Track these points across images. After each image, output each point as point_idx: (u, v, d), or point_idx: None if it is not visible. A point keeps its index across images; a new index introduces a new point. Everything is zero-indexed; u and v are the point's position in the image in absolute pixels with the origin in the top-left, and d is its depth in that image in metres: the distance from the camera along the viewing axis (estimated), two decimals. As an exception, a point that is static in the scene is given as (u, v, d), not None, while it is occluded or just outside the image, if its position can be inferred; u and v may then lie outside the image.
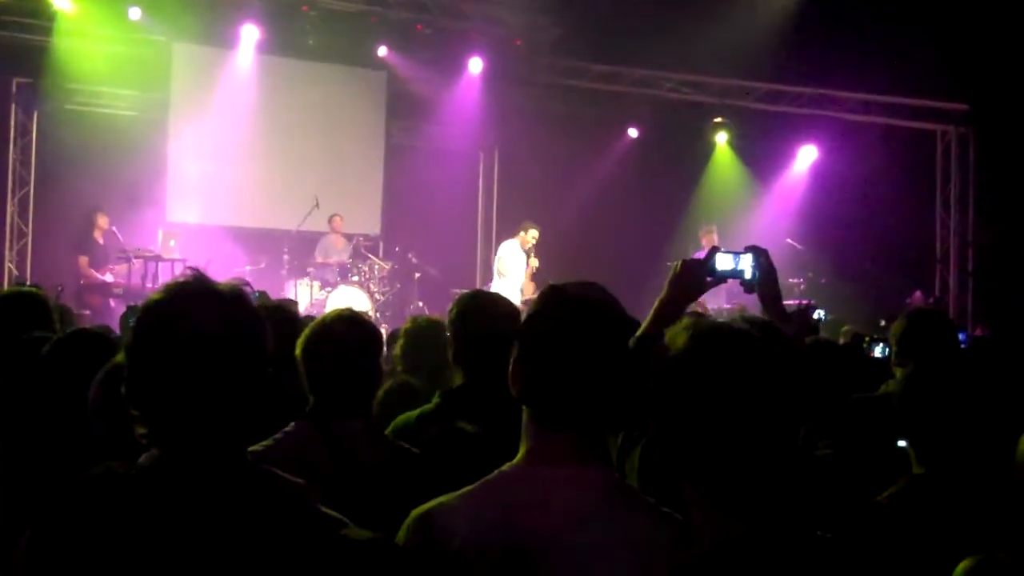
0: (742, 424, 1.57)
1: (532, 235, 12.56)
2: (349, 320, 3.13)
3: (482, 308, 3.41)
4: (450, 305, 3.49)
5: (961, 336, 5.87)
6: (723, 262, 2.60)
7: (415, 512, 1.94)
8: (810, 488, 2.67)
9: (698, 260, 2.64)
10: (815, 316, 8.79)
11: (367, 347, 3.09)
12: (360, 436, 2.97)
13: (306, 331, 3.09)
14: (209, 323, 1.73)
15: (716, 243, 12.60)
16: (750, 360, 1.59)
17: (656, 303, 2.55)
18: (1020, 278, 13.31)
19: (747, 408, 1.57)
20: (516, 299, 11.94)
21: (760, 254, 2.61)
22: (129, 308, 7.12)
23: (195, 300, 1.76)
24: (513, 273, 12.52)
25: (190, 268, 1.87)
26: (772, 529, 1.58)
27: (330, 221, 13.41)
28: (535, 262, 12.56)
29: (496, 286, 12.27)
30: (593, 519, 1.84)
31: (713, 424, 1.58)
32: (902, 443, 2.78)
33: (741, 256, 2.60)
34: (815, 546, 1.61)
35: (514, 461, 1.95)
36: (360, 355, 3.05)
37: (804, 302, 11.97)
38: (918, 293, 13.47)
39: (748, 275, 2.60)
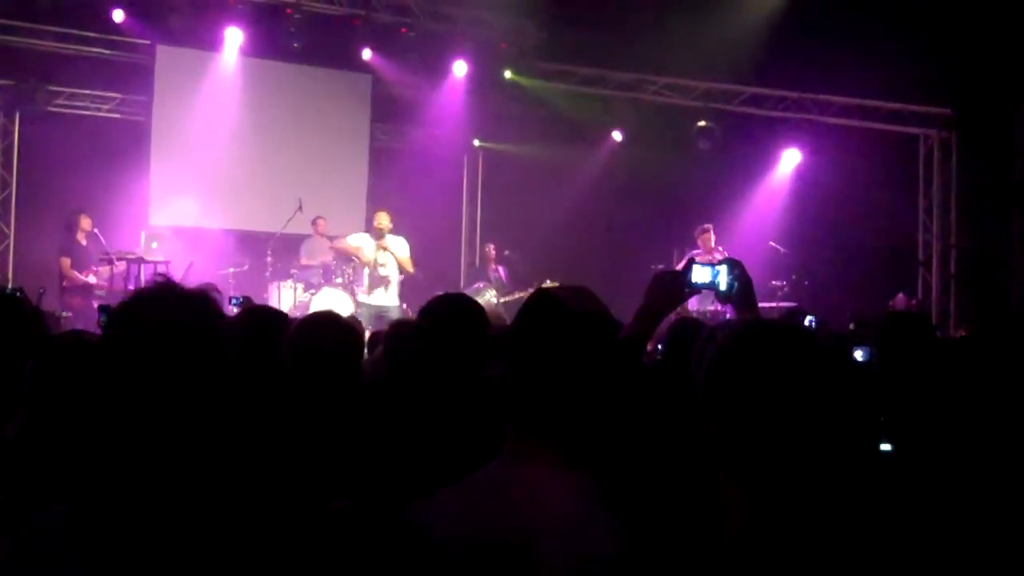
0: (785, 417, 1.63)
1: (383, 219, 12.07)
2: (332, 323, 3.12)
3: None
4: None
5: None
6: (700, 274, 2.65)
7: (395, 508, 1.95)
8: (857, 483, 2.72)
9: (675, 271, 2.68)
10: (805, 323, 8.78)
11: (348, 350, 3.08)
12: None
13: (291, 333, 3.08)
14: (173, 325, 1.73)
15: (712, 243, 12.69)
16: (798, 355, 1.67)
17: (635, 313, 2.58)
18: (1001, 281, 13.39)
19: (791, 401, 1.64)
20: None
21: (735, 266, 2.65)
22: (101, 308, 7.07)
23: (161, 303, 1.77)
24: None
25: (159, 274, 1.89)
26: (803, 519, 1.63)
27: (314, 223, 13.38)
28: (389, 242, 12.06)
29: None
30: (566, 521, 1.84)
31: (755, 416, 1.64)
32: (886, 447, 2.80)
33: (717, 268, 2.65)
34: (839, 538, 1.65)
35: (494, 462, 1.97)
36: (341, 358, 3.04)
37: (791, 306, 12.00)
38: (901, 296, 13.52)
39: (724, 287, 2.65)
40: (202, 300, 1.82)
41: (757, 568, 1.62)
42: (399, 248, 11.97)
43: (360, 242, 12.04)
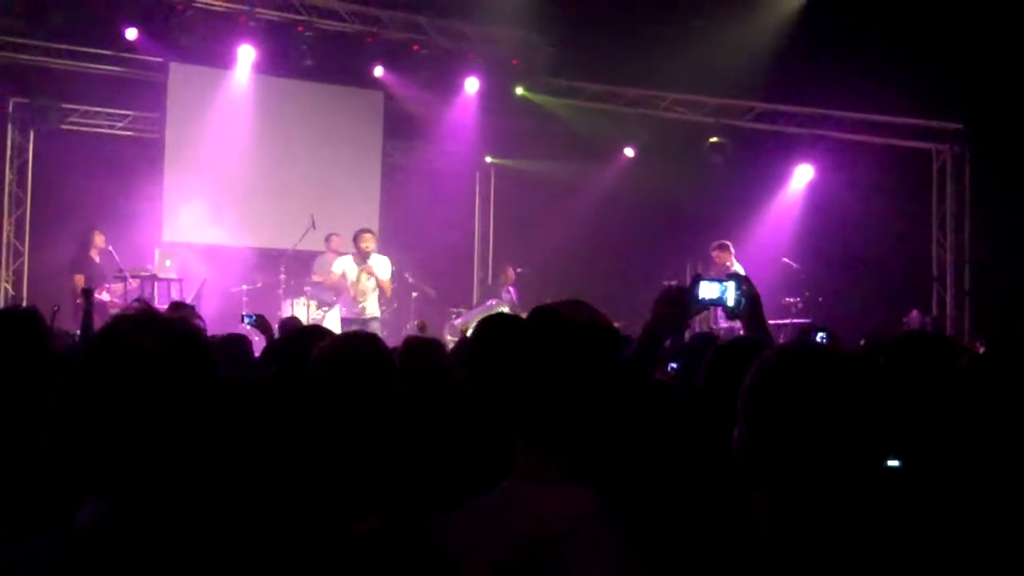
0: (827, 440, 1.64)
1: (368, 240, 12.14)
2: (357, 342, 3.10)
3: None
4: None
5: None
6: (707, 290, 2.64)
7: (415, 528, 1.95)
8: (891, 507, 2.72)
9: (683, 287, 2.67)
10: (817, 338, 8.72)
11: (377, 371, 3.06)
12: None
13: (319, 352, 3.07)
14: (149, 350, 1.73)
15: (729, 261, 12.65)
16: (838, 379, 1.68)
17: (642, 329, 2.58)
18: (1016, 296, 13.31)
19: (828, 426, 1.65)
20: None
21: (743, 282, 2.64)
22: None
23: (138, 329, 1.77)
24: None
25: (137, 300, 1.91)
26: (831, 547, 1.63)
27: (327, 240, 13.39)
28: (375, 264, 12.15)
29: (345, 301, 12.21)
30: (576, 536, 1.84)
31: (798, 438, 1.65)
32: (894, 463, 2.78)
33: (725, 284, 2.63)
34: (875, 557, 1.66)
35: (508, 478, 1.97)
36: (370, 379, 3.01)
37: (805, 322, 11.95)
38: (915, 312, 13.46)
39: (731, 303, 2.64)
40: (181, 326, 1.82)
41: None
42: (382, 270, 12.03)
43: (343, 267, 12.09)
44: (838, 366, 1.70)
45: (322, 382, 2.99)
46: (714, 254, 12.64)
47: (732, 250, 12.59)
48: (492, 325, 3.38)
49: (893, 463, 2.83)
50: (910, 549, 2.39)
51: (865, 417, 1.67)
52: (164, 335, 1.76)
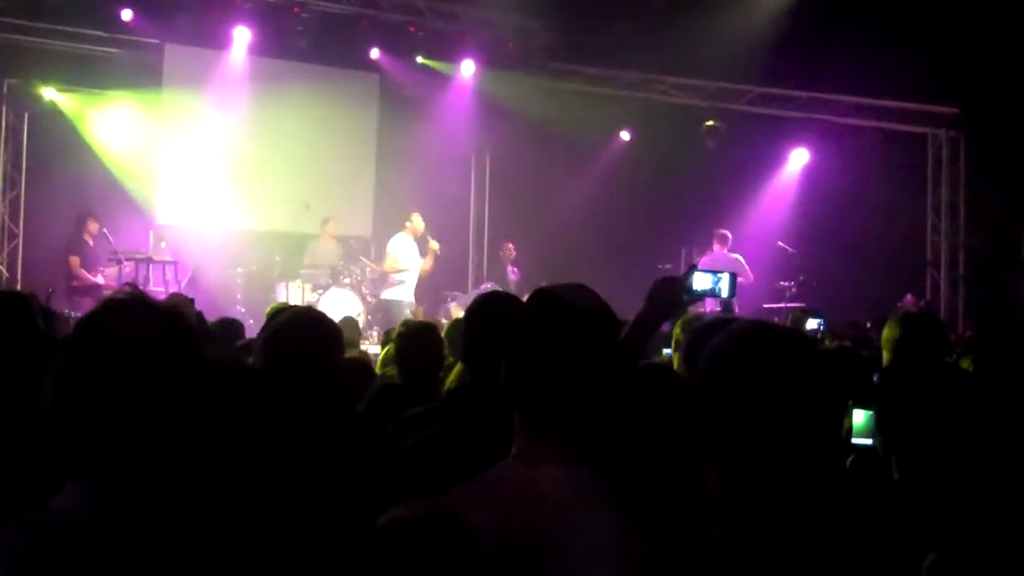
0: (773, 419, 1.64)
1: (418, 220, 12.51)
2: (307, 320, 3.07)
3: (492, 307, 3.38)
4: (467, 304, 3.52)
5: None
6: (700, 281, 2.65)
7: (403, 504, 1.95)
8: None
9: (675, 278, 2.68)
10: (809, 326, 8.68)
11: (326, 347, 3.03)
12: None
13: (262, 332, 3.03)
14: (137, 334, 1.74)
15: (729, 245, 12.71)
16: (790, 356, 1.68)
17: (634, 319, 2.59)
18: (1010, 281, 13.35)
19: (780, 403, 1.64)
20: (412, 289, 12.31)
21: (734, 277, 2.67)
22: None
23: (126, 313, 1.77)
24: (409, 263, 12.43)
25: (127, 284, 1.92)
26: (787, 524, 1.63)
27: (324, 224, 13.39)
28: (435, 244, 12.57)
29: (390, 284, 12.39)
30: (576, 516, 1.86)
31: (744, 416, 1.65)
32: (867, 441, 2.80)
33: (719, 275, 2.65)
34: (824, 543, 1.67)
35: (506, 460, 1.99)
36: (319, 355, 2.98)
37: (799, 306, 11.96)
38: (909, 296, 13.49)
39: (725, 294, 2.65)
40: (169, 311, 1.82)
41: (745, 568, 1.63)
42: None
43: (410, 249, 12.39)
44: (786, 346, 1.70)
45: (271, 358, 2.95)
46: (717, 243, 12.81)
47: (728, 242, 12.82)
48: (487, 307, 3.37)
49: (865, 442, 2.86)
50: (870, 530, 2.41)
51: (809, 397, 1.66)
52: (149, 319, 1.77)
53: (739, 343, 1.72)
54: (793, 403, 1.64)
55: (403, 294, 12.30)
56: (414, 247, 12.43)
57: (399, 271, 12.30)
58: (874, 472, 2.71)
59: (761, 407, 1.64)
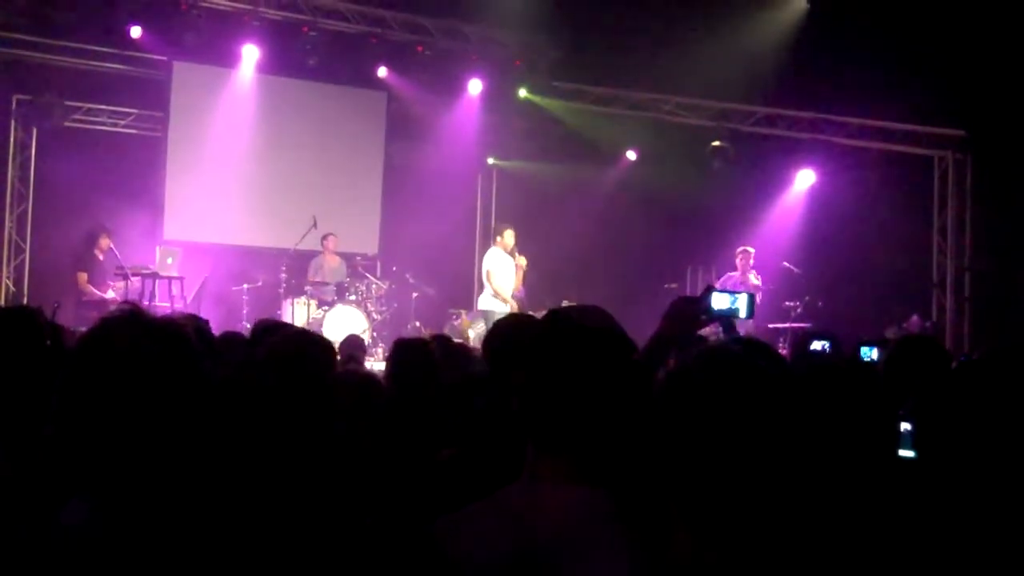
0: (730, 452, 1.60)
1: (509, 235, 12.45)
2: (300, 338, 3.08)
3: (513, 329, 3.37)
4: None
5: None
6: (719, 301, 2.61)
7: (418, 526, 1.96)
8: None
9: (692, 297, 2.65)
10: (813, 347, 8.61)
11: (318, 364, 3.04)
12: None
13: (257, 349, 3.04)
14: (133, 351, 1.74)
15: (751, 264, 12.74)
16: (744, 385, 1.63)
17: (650, 338, 2.57)
18: (1017, 304, 13.31)
19: (724, 432, 1.61)
20: (508, 302, 12.17)
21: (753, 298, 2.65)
22: None
23: (123, 331, 1.78)
24: (503, 278, 12.39)
25: (126, 302, 1.93)
26: (745, 559, 1.59)
27: (324, 240, 13.41)
28: (523, 260, 12.46)
29: (486, 295, 12.28)
30: (581, 539, 1.86)
31: (699, 449, 1.62)
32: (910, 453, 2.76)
33: (737, 296, 2.62)
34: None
35: (516, 482, 1.99)
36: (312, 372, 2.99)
37: (805, 327, 11.92)
38: (915, 318, 13.46)
39: (744, 314, 2.62)
40: (171, 328, 1.83)
41: None
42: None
43: (503, 262, 12.36)
44: (732, 374, 1.66)
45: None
46: (740, 261, 12.87)
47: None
48: (506, 329, 3.36)
49: (908, 453, 2.83)
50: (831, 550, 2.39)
51: (756, 427, 1.63)
52: (148, 337, 1.78)
53: (687, 370, 1.70)
54: (738, 432, 1.61)
55: (498, 305, 12.20)
56: (508, 260, 12.40)
57: (489, 283, 12.31)
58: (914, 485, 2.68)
59: (704, 436, 1.62)
